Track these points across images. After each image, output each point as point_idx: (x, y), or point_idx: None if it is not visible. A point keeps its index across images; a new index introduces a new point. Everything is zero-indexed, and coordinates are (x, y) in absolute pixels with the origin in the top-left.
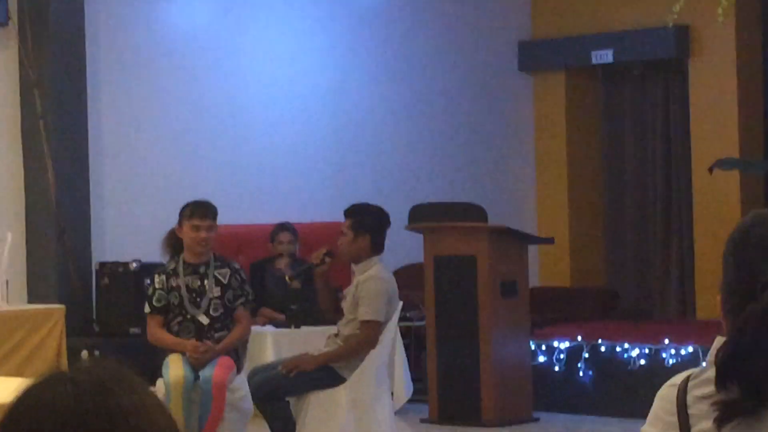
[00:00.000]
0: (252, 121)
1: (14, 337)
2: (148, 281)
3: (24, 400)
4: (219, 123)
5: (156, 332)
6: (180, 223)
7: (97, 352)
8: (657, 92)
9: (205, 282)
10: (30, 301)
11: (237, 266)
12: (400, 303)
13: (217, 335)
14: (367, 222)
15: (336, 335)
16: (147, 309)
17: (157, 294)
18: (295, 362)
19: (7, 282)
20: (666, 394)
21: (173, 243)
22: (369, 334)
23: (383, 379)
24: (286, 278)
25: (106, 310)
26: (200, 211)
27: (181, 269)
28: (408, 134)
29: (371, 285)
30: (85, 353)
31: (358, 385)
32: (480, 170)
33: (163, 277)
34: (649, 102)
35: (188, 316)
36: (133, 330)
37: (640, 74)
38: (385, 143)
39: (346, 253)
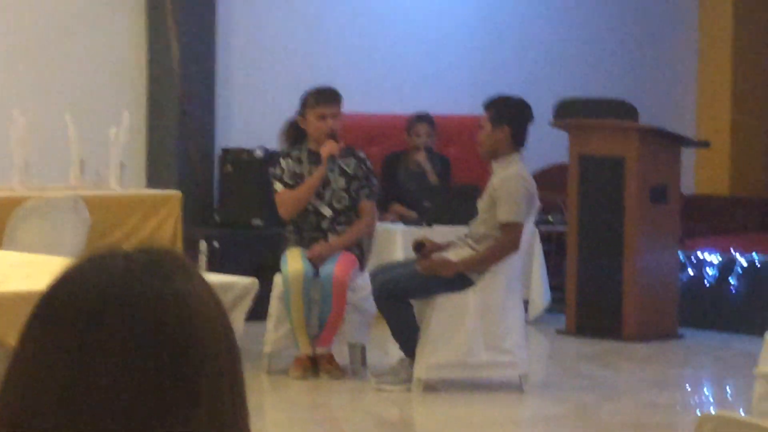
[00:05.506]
0: (390, 3)
1: (127, 223)
2: (271, 168)
3: (71, 271)
4: (355, 5)
5: (285, 199)
6: (302, 112)
7: (216, 244)
8: None
9: (330, 172)
10: (149, 187)
11: (362, 155)
12: (538, 205)
13: (340, 228)
14: (508, 113)
15: (467, 236)
16: (279, 187)
17: (287, 174)
18: (433, 267)
19: (122, 165)
20: None
21: (294, 134)
22: (511, 237)
23: (514, 285)
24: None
25: (228, 200)
26: (326, 98)
27: (305, 157)
28: (556, 24)
29: (512, 184)
30: (203, 244)
31: (487, 290)
32: (634, 65)
33: (289, 160)
34: None
35: (310, 208)
36: (256, 221)
37: None
38: (532, 33)
39: (485, 148)
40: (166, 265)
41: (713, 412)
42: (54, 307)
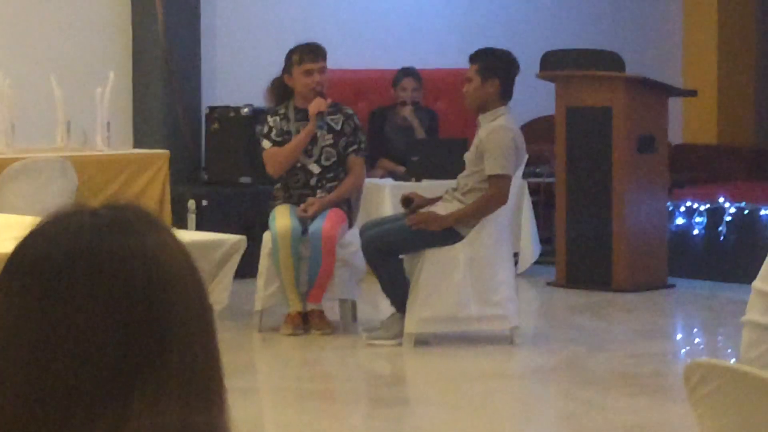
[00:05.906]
0: None
1: (115, 183)
2: (259, 126)
3: (38, 229)
4: None
5: (274, 157)
6: (288, 70)
7: (204, 202)
8: None
9: (318, 129)
10: (136, 146)
11: (350, 111)
12: (525, 157)
13: (329, 185)
14: (497, 66)
15: (455, 189)
16: (267, 145)
17: (274, 131)
18: (422, 221)
19: (108, 124)
20: None
21: (280, 92)
22: (499, 190)
23: (504, 238)
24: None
25: (216, 158)
26: (311, 53)
27: (291, 115)
28: None
29: (499, 136)
30: (191, 202)
31: (477, 243)
32: (620, 15)
33: (276, 118)
34: None
35: (298, 165)
36: (244, 179)
37: None
38: None
39: (473, 101)
40: (134, 220)
41: (702, 360)
42: (22, 264)
